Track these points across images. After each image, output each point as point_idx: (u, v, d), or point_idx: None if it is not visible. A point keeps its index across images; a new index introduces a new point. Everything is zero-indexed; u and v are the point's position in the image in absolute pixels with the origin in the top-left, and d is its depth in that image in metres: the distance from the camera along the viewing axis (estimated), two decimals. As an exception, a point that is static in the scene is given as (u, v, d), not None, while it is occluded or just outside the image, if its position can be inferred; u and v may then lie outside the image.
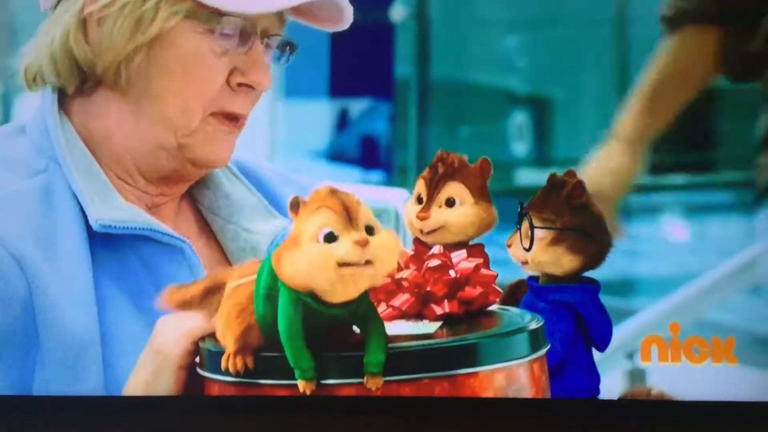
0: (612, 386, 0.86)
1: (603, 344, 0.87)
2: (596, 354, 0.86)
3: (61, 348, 0.81)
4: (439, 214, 0.87)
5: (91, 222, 0.84)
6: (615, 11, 4.89)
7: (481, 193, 0.88)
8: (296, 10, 0.86)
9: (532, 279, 0.86)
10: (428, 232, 0.86)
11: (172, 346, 0.75)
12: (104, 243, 0.85)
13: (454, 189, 0.87)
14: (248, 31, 0.87)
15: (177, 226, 0.91)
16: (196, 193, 0.96)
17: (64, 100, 0.89)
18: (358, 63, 4.52)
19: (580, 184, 0.85)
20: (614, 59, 5.02)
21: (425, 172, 0.89)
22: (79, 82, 0.86)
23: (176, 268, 0.87)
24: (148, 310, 0.84)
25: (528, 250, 0.83)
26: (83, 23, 0.85)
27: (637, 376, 1.48)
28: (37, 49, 0.86)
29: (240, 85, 0.89)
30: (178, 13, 0.84)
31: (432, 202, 0.87)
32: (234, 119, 0.88)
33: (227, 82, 0.88)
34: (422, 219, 0.86)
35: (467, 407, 0.70)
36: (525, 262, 0.85)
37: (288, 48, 0.91)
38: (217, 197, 0.95)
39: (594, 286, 0.86)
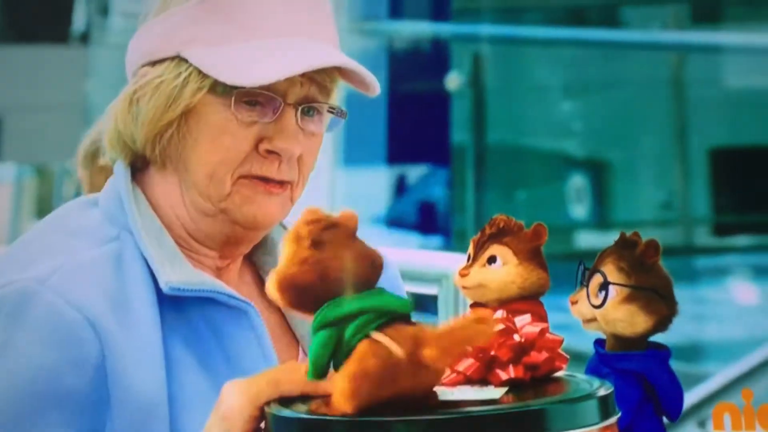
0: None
1: (674, 413, 0.84)
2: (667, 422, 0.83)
3: (131, 409, 0.81)
4: (478, 273, 0.87)
5: (161, 285, 0.86)
6: (672, 73, 4.87)
7: (528, 257, 0.87)
8: (332, 74, 0.86)
9: (598, 344, 0.85)
10: (469, 289, 0.87)
11: (237, 413, 0.73)
12: (172, 307, 0.86)
13: (498, 249, 0.87)
14: (275, 100, 0.86)
15: (239, 290, 0.92)
16: (255, 258, 0.97)
17: (137, 172, 0.92)
18: (415, 130, 4.56)
19: (653, 243, 0.84)
20: (672, 120, 4.98)
21: (476, 235, 0.90)
22: (132, 157, 0.90)
23: (240, 330, 0.86)
24: (214, 372, 0.84)
25: (600, 306, 0.81)
26: (130, 101, 0.88)
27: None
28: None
29: (268, 151, 0.86)
30: (203, 89, 0.85)
31: (475, 261, 0.88)
32: (268, 182, 0.87)
33: (257, 149, 0.88)
34: (462, 276, 0.87)
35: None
36: (588, 320, 0.83)
37: (337, 114, 0.91)
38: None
39: (664, 352, 0.83)
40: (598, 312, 0.81)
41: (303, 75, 0.86)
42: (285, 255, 0.74)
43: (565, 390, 0.74)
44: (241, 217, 0.88)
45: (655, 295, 0.81)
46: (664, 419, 0.83)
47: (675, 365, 0.84)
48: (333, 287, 0.74)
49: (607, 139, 5.15)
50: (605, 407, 0.73)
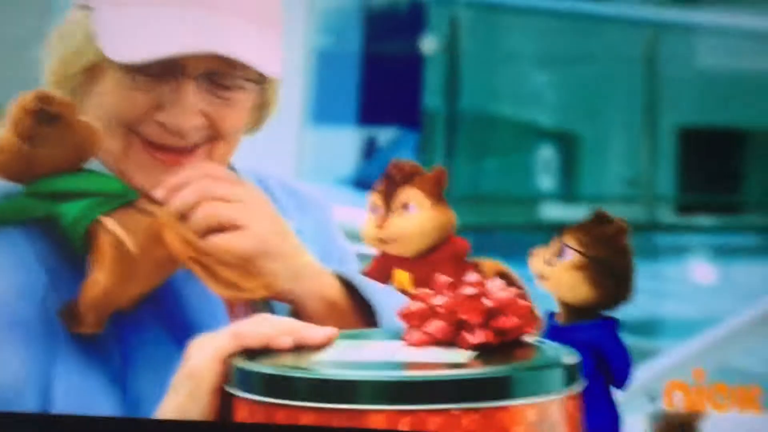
0: (634, 428, 0.84)
1: (623, 382, 0.86)
2: (618, 396, 0.83)
3: (81, 345, 0.80)
4: (397, 222, 0.86)
5: None
6: (645, 49, 4.89)
7: (438, 197, 0.86)
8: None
9: (550, 317, 0.85)
10: (388, 242, 0.85)
11: (202, 369, 0.73)
12: None
13: (410, 194, 0.86)
14: (172, 72, 0.84)
15: None
16: None
17: None
18: (387, 92, 4.53)
19: (626, 229, 0.85)
20: (643, 97, 5.00)
21: (379, 184, 0.88)
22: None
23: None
24: (164, 309, 0.84)
25: (551, 264, 0.83)
26: (53, 41, 0.86)
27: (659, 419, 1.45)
28: None
29: (159, 121, 0.85)
30: (99, 49, 0.84)
31: (389, 210, 0.86)
32: (167, 151, 0.86)
33: (154, 116, 0.85)
34: (381, 228, 0.85)
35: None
36: (542, 278, 0.84)
37: (255, 82, 0.86)
38: None
39: (613, 321, 0.85)
40: (549, 271, 0.83)
41: None
42: None
43: (532, 357, 0.73)
44: (136, 183, 0.86)
45: (608, 270, 0.83)
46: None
47: (630, 339, 0.84)
48: (39, 175, 0.78)
49: (578, 112, 5.16)
50: (571, 376, 0.72)
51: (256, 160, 0.93)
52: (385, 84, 4.52)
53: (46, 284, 0.81)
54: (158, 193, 0.82)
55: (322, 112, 4.19)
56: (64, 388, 0.80)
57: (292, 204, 0.96)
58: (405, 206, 0.86)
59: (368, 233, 0.87)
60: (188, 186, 0.81)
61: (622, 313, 0.85)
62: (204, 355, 0.74)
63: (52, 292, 0.81)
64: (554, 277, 0.83)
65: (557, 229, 0.85)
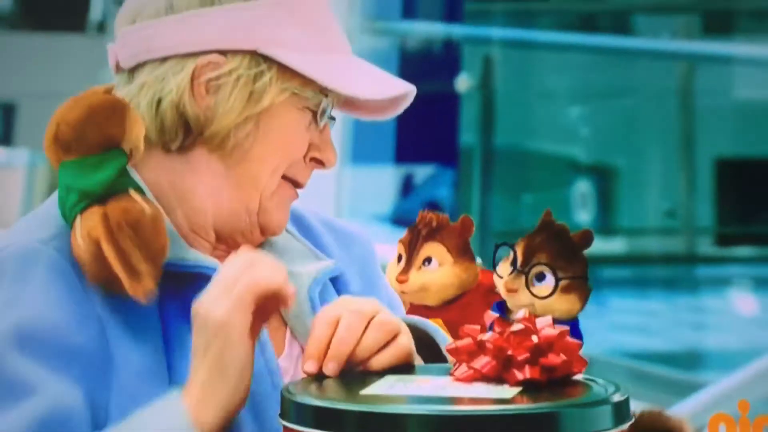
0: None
1: None
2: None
3: (131, 375, 0.82)
4: (417, 277, 0.87)
5: None
6: (680, 82, 4.88)
7: (461, 252, 0.87)
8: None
9: (500, 308, 0.85)
10: (408, 294, 0.88)
11: (229, 319, 0.75)
12: (169, 282, 0.86)
13: (432, 249, 0.87)
14: (326, 110, 0.89)
15: None
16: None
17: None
18: (423, 130, 4.57)
19: (589, 234, 0.88)
20: (679, 130, 4.99)
21: (405, 235, 0.91)
22: (181, 141, 0.88)
23: None
24: None
25: (547, 296, 0.83)
26: (206, 88, 0.87)
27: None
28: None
29: (312, 159, 0.89)
30: (288, 90, 0.87)
31: (411, 264, 0.89)
32: (295, 188, 0.91)
33: (310, 154, 0.89)
34: (401, 282, 0.88)
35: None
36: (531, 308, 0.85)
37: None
38: (262, 245, 0.93)
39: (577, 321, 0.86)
40: (539, 304, 0.84)
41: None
42: None
43: (580, 394, 0.75)
44: (271, 218, 0.89)
45: (585, 281, 0.86)
46: None
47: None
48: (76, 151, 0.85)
49: (614, 146, 5.15)
50: (619, 413, 0.73)
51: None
52: (421, 122, 4.56)
53: (102, 314, 0.82)
54: (319, 331, 0.81)
55: (360, 151, 4.24)
56: (119, 417, 0.81)
57: (334, 240, 0.97)
58: (427, 260, 0.89)
59: (391, 282, 0.91)
60: (342, 319, 0.81)
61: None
62: (226, 308, 0.77)
63: (112, 320, 0.83)
64: (549, 307, 0.85)
65: (511, 247, 0.85)
